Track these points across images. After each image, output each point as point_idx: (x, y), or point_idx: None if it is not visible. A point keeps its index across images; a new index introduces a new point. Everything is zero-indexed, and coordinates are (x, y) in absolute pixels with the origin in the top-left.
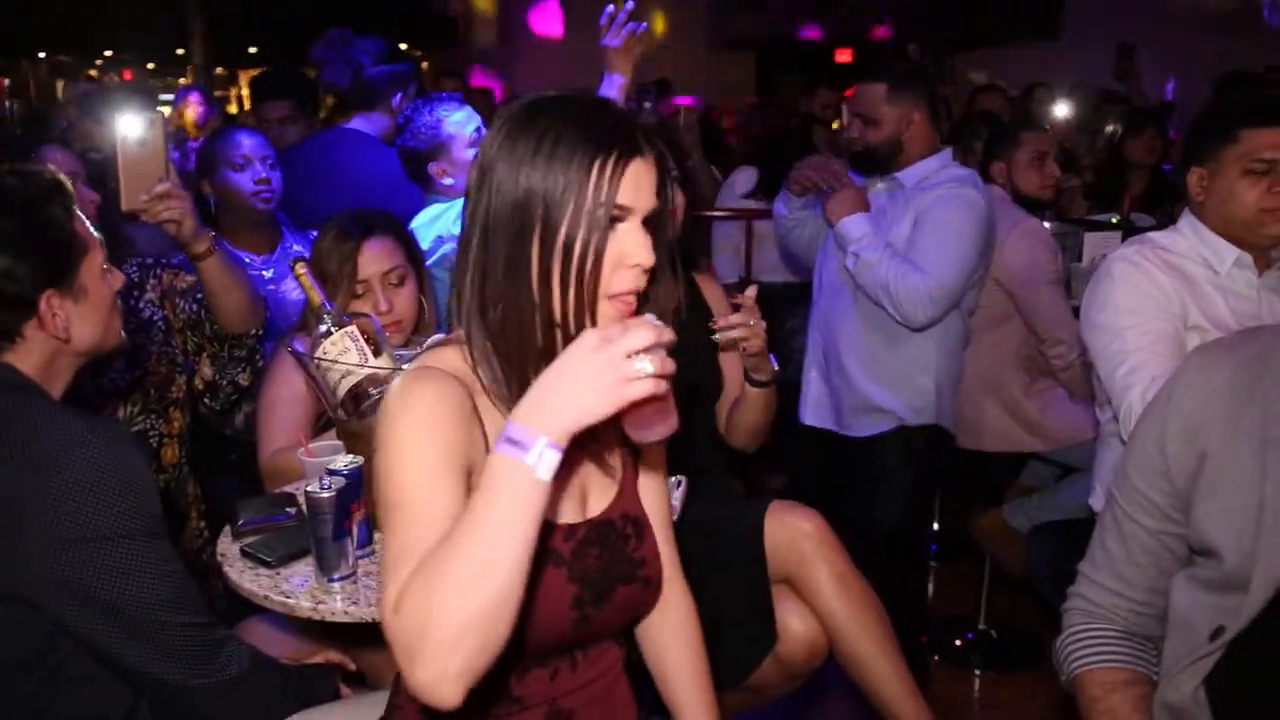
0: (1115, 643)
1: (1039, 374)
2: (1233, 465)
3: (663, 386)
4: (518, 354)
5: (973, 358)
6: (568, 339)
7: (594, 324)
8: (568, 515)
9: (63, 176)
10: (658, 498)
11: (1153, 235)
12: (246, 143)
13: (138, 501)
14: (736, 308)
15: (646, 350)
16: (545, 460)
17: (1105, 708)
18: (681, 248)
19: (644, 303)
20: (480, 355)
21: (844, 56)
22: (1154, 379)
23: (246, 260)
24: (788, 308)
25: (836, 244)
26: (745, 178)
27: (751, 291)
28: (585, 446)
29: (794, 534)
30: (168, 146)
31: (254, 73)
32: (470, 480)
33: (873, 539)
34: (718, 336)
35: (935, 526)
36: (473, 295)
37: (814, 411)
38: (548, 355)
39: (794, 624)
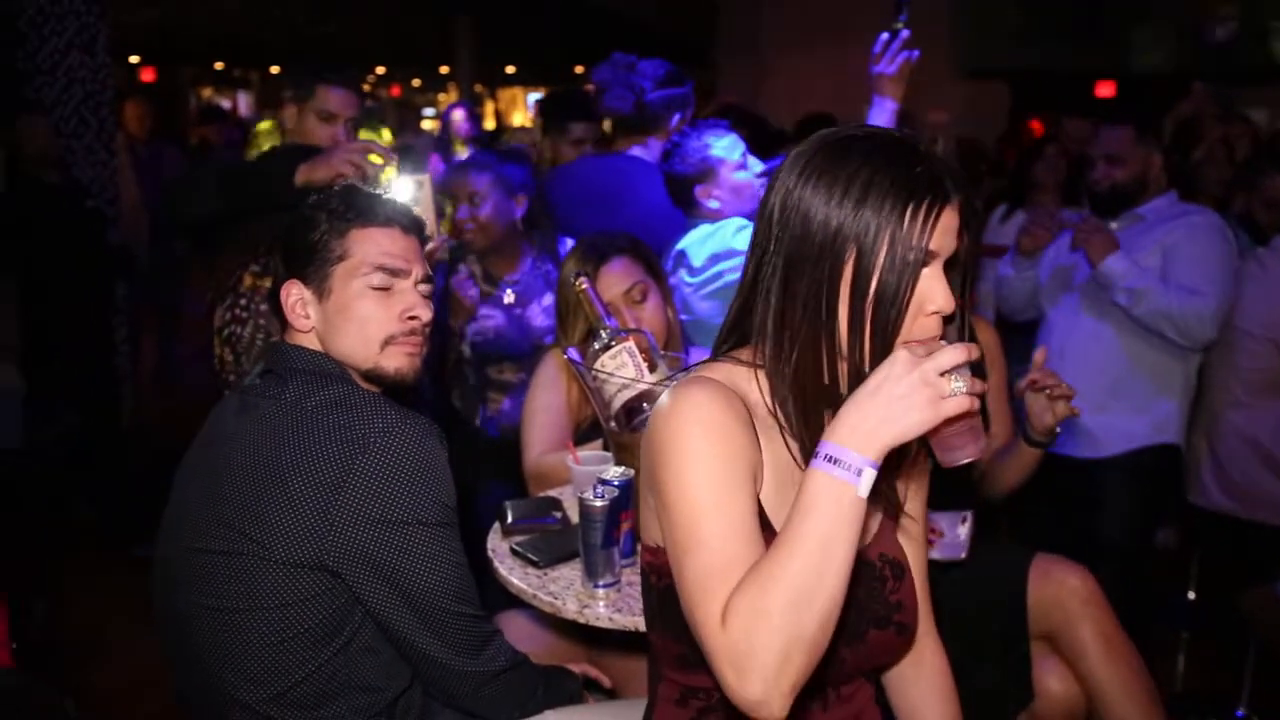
0: None
1: None
2: None
3: (975, 404)
4: (813, 392)
5: (1248, 423)
6: (858, 382)
7: None
8: None
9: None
10: (917, 544)
11: None
12: (454, 179)
13: (439, 492)
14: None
15: (956, 369)
16: (865, 478)
17: None
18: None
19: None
20: (774, 384)
21: (1105, 90)
22: None
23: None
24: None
25: (1100, 284)
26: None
27: (1040, 355)
28: None
29: (1059, 590)
30: (435, 207)
31: (514, 90)
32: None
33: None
34: (1023, 386)
35: (1191, 595)
36: (771, 329)
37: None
38: (840, 396)
39: (1053, 684)
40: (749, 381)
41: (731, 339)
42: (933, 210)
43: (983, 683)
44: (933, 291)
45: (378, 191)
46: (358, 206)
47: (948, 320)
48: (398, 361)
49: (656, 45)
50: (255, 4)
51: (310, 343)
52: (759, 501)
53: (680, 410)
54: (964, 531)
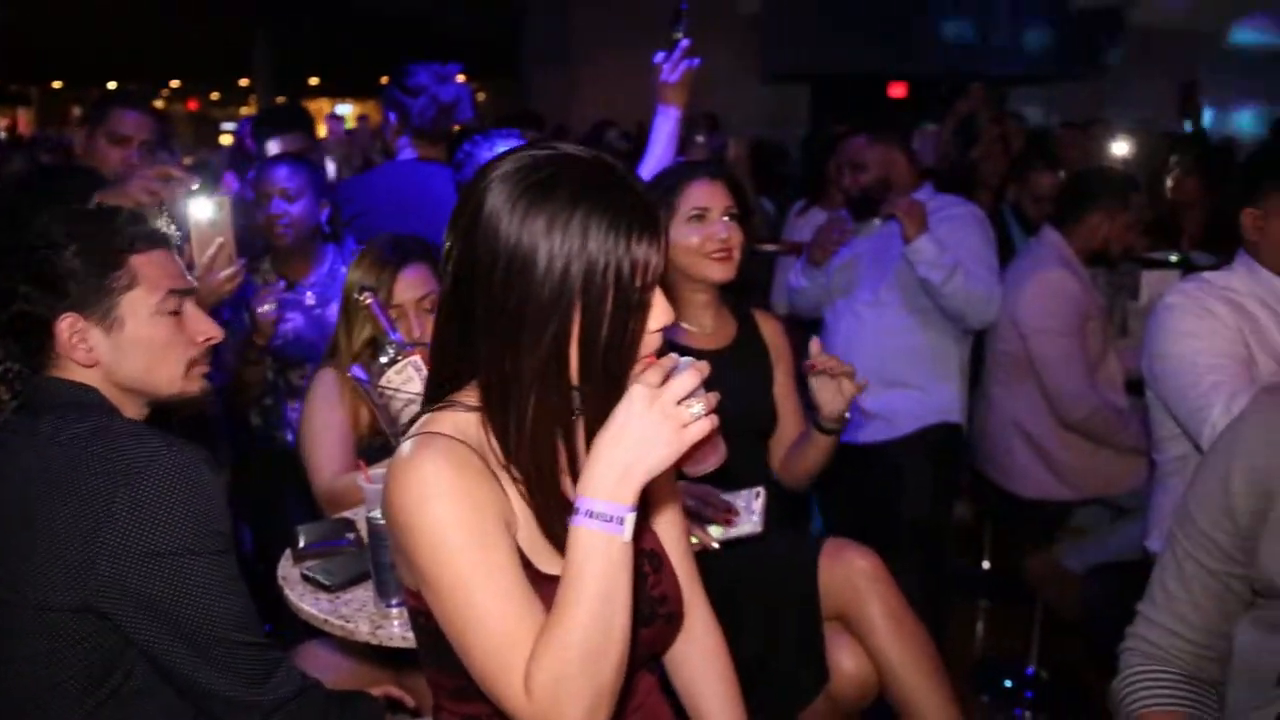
0: (1175, 686)
1: None
2: None
3: (715, 421)
4: (549, 468)
5: (1007, 401)
6: (594, 431)
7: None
8: None
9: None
10: (674, 528)
11: (1207, 274)
12: (268, 176)
13: (208, 519)
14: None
15: (693, 394)
16: (628, 523)
17: None
18: (739, 284)
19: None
20: (504, 445)
21: (898, 91)
22: (1234, 395)
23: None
24: None
25: (912, 260)
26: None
27: (815, 345)
28: (559, 508)
29: (848, 571)
30: (235, 227)
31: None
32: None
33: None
34: (812, 373)
35: (985, 565)
36: (496, 381)
37: (850, 429)
38: (573, 440)
39: (846, 662)
40: (479, 427)
41: (448, 369)
42: (654, 239)
43: (782, 669)
44: (654, 310)
45: (163, 214)
46: (134, 231)
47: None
48: (199, 384)
49: (463, 54)
50: (32, 14)
51: (83, 376)
52: (519, 546)
53: (414, 487)
54: (758, 506)
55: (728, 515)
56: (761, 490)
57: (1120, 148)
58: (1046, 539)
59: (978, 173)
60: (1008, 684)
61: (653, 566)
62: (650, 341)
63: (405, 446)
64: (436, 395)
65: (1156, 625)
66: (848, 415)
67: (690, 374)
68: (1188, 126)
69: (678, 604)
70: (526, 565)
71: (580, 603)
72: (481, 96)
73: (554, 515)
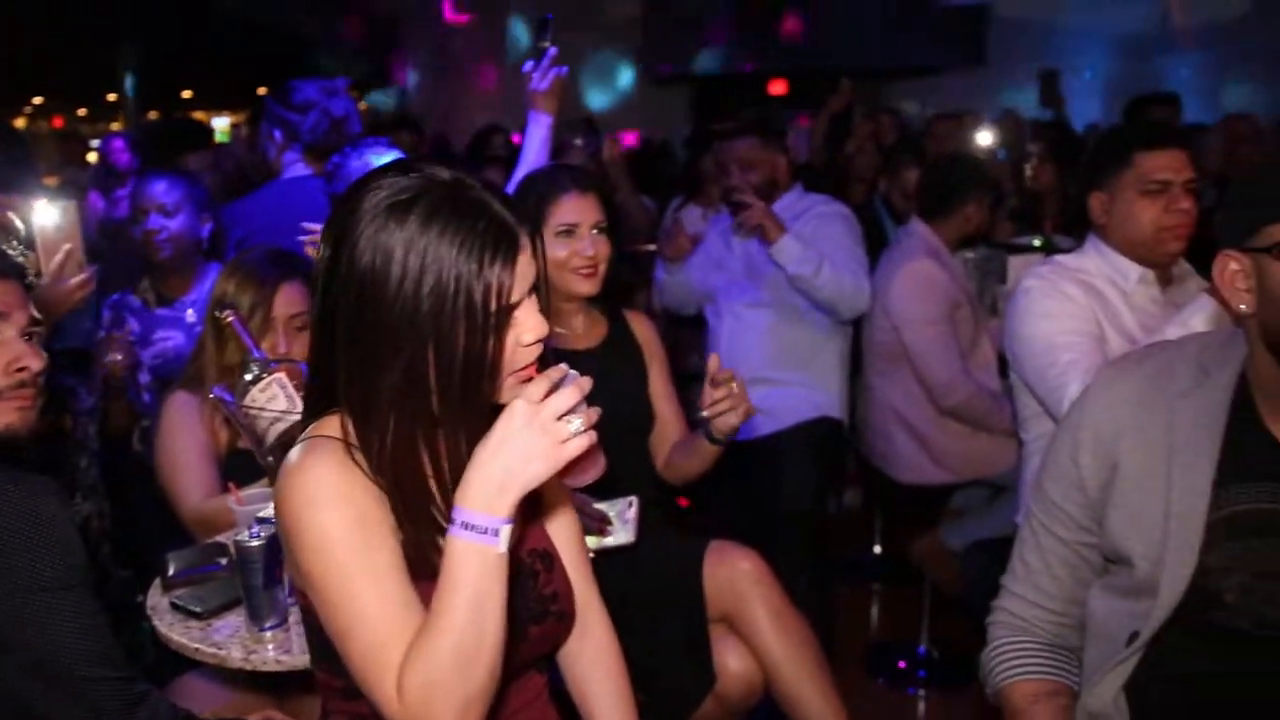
0: (1038, 654)
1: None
2: (1141, 475)
3: (594, 437)
4: (412, 488)
5: (885, 391)
6: (457, 452)
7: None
8: None
9: None
10: (566, 528)
11: (1060, 257)
12: (145, 192)
13: (59, 554)
14: (671, 347)
15: (573, 409)
16: (503, 535)
17: (1029, 719)
18: (607, 288)
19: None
20: (371, 464)
21: (778, 88)
22: (1088, 371)
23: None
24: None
25: (779, 261)
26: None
27: (714, 362)
28: (434, 522)
29: (732, 573)
30: (81, 233)
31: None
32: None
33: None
34: (706, 414)
35: (876, 550)
36: (359, 406)
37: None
38: (437, 456)
39: (732, 662)
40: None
41: (325, 379)
42: (509, 262)
43: (670, 675)
44: (526, 324)
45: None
46: None
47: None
48: (7, 417)
49: (343, 65)
50: None
51: None
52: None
53: (300, 490)
54: (631, 516)
55: (602, 525)
56: (635, 500)
57: (986, 137)
58: (931, 521)
59: (852, 167)
60: (901, 665)
61: (544, 565)
62: (525, 354)
63: (294, 451)
64: (318, 403)
65: (1018, 597)
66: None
67: (572, 390)
68: (1051, 114)
69: (569, 602)
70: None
71: (454, 610)
72: (363, 106)
73: (422, 528)
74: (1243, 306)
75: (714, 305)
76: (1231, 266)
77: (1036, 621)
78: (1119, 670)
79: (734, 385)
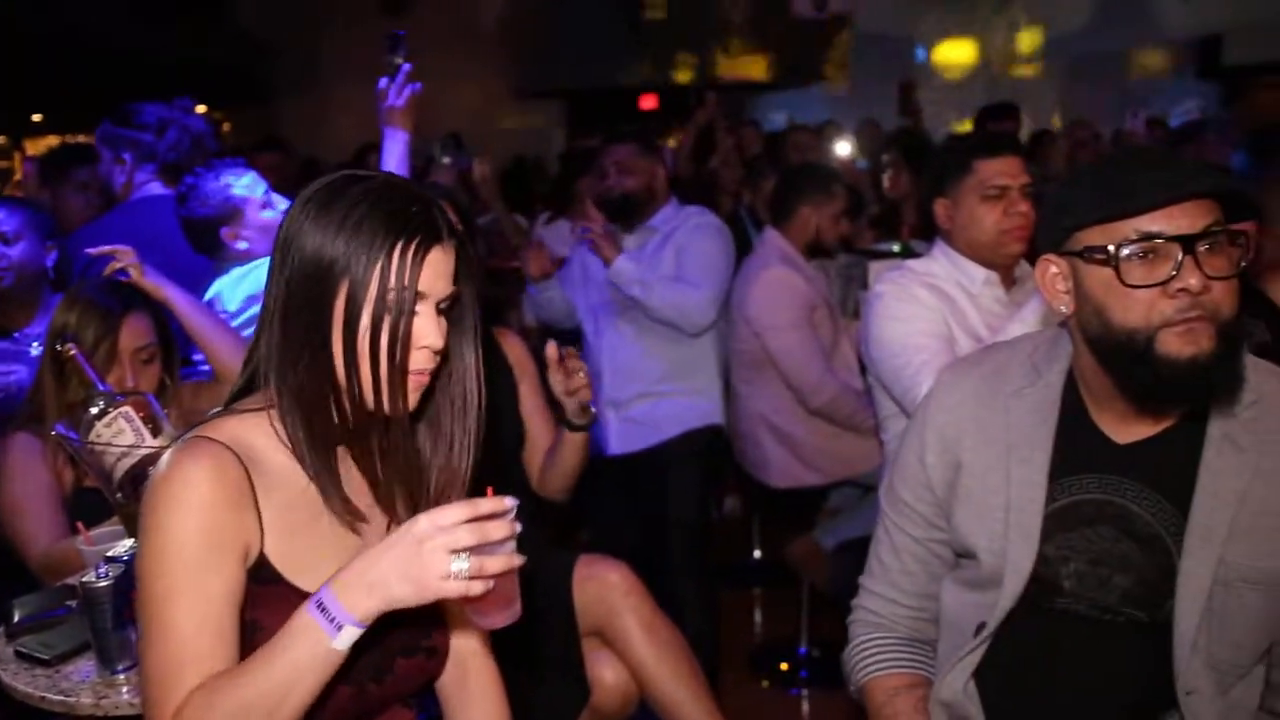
0: (896, 649)
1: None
2: (982, 472)
3: (476, 589)
4: (321, 429)
5: (752, 398)
6: (373, 413)
7: (403, 402)
8: None
9: None
10: None
11: (910, 262)
12: None
13: None
14: (543, 365)
15: (473, 549)
16: (345, 635)
17: (890, 713)
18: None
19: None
20: (287, 422)
21: (649, 102)
22: (939, 371)
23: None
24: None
25: (616, 283)
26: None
27: (551, 350)
28: (362, 518)
29: (602, 586)
30: None
31: (48, 139)
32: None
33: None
34: (562, 398)
35: (757, 555)
36: (275, 365)
37: (619, 441)
38: (353, 431)
39: (606, 675)
40: (259, 428)
41: (243, 379)
42: (421, 249)
43: (546, 692)
44: (424, 329)
45: None
46: None
47: (446, 359)
48: None
49: (208, 83)
50: None
51: None
52: (265, 559)
53: (165, 487)
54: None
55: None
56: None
57: (844, 147)
58: (807, 523)
59: (718, 179)
60: (783, 666)
61: None
62: (419, 358)
63: (172, 450)
64: (228, 403)
65: (876, 595)
66: (593, 409)
67: (471, 531)
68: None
69: (442, 638)
70: (276, 579)
71: (263, 673)
72: (227, 127)
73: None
74: (1063, 308)
75: (592, 322)
76: (1051, 270)
77: (893, 618)
78: (968, 659)
79: (579, 368)
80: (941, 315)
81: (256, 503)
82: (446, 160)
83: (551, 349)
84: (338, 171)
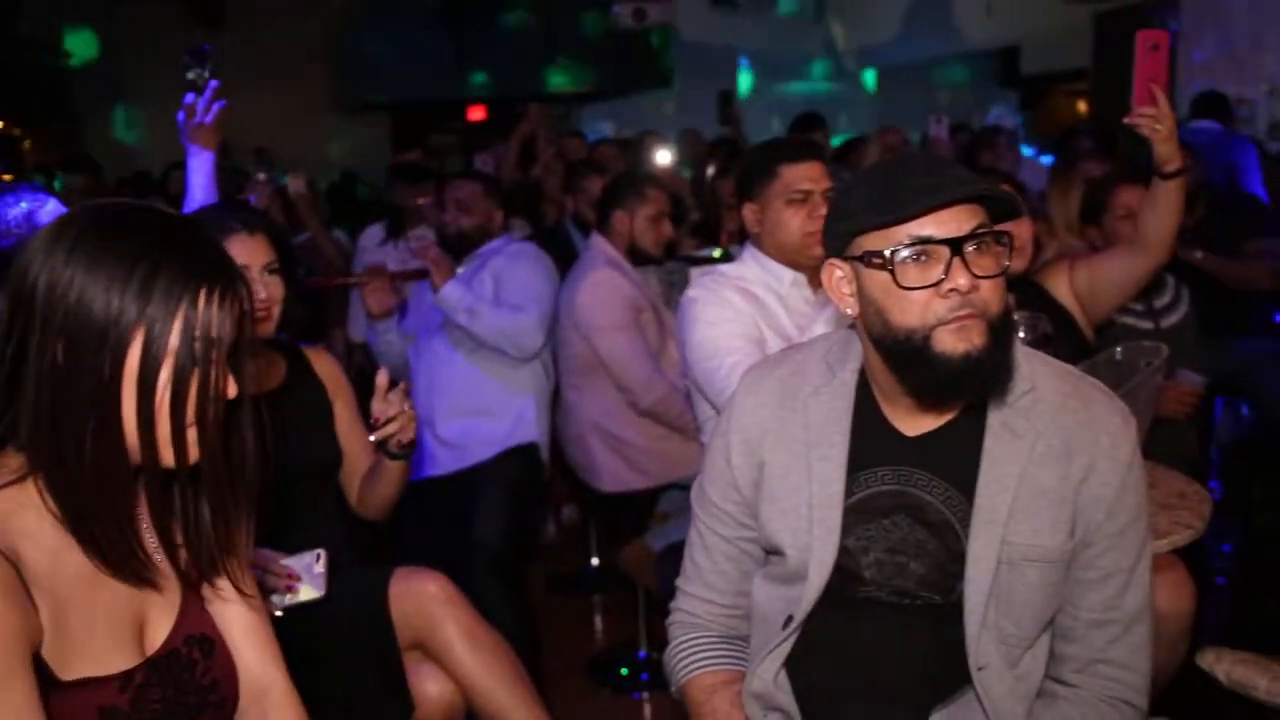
0: (713, 647)
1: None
2: (785, 471)
3: None
4: (113, 493)
5: (581, 404)
6: (157, 478)
7: (188, 454)
8: (122, 661)
9: None
10: (237, 603)
11: (722, 267)
12: None
13: None
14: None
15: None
16: None
17: (708, 710)
18: (288, 327)
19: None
20: (64, 497)
21: (477, 114)
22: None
23: None
24: None
25: (444, 308)
26: (374, 233)
27: (382, 379)
28: (137, 573)
29: (419, 598)
30: None
31: None
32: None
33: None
34: (374, 438)
35: (595, 562)
36: (48, 432)
37: (431, 463)
38: (143, 489)
39: (429, 688)
40: (22, 500)
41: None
42: (225, 296)
43: (369, 708)
44: (224, 377)
45: None
46: None
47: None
48: None
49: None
50: None
51: None
52: (41, 659)
53: None
54: (319, 569)
55: (290, 583)
56: (322, 552)
57: (665, 156)
58: (641, 528)
59: (542, 189)
60: (624, 671)
61: (203, 652)
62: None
63: None
64: None
65: (691, 596)
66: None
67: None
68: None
69: (231, 687)
70: (54, 683)
71: None
72: (27, 144)
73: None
74: (849, 310)
75: (415, 344)
76: (836, 274)
77: (709, 617)
78: (778, 651)
79: (405, 405)
80: (752, 318)
81: (31, 596)
82: (261, 176)
83: (382, 377)
84: (80, 209)
